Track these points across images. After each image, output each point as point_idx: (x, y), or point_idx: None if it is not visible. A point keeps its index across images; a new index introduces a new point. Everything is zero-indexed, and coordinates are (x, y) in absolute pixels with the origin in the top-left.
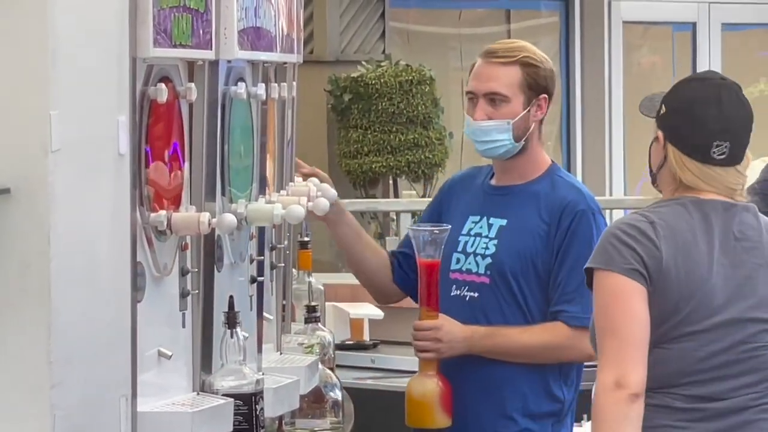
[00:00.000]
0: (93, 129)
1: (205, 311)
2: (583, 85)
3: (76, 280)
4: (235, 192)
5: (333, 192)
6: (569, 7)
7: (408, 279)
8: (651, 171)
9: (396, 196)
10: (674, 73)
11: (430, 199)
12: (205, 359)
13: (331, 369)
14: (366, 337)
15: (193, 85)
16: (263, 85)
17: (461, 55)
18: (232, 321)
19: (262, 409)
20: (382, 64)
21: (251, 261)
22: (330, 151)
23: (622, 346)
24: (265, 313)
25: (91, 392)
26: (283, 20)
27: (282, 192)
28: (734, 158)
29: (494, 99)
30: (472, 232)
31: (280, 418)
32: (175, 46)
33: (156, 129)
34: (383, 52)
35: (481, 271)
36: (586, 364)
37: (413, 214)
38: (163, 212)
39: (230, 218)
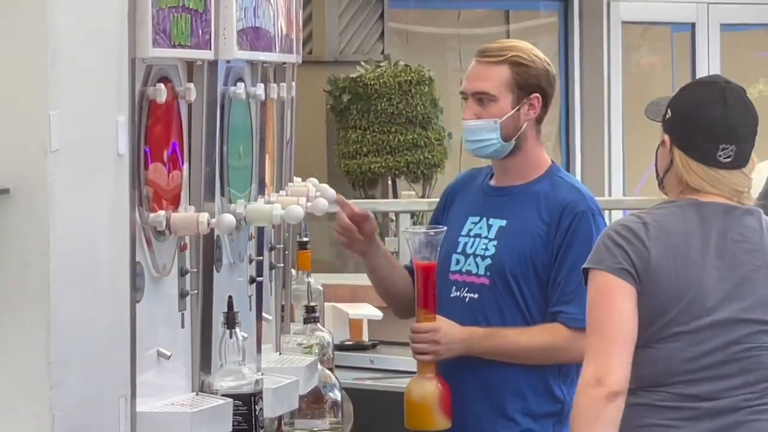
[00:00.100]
0: (92, 129)
1: (205, 311)
2: (582, 85)
3: (75, 280)
4: (234, 192)
5: (332, 192)
6: (568, 8)
7: None
8: (658, 174)
9: (395, 196)
10: (673, 73)
11: (429, 200)
12: (204, 359)
13: (330, 369)
14: (365, 338)
15: (192, 85)
16: (262, 85)
17: (460, 55)
18: (231, 321)
19: (261, 409)
20: (381, 64)
21: (250, 261)
22: (329, 152)
23: (606, 343)
24: (264, 314)
25: (91, 392)
26: (282, 20)
27: (281, 192)
28: (740, 161)
29: (482, 98)
30: (472, 233)
31: (280, 418)
32: (174, 47)
33: (155, 129)
34: (382, 52)
35: (481, 272)
36: None
37: (412, 214)
38: (162, 212)
39: (229, 218)
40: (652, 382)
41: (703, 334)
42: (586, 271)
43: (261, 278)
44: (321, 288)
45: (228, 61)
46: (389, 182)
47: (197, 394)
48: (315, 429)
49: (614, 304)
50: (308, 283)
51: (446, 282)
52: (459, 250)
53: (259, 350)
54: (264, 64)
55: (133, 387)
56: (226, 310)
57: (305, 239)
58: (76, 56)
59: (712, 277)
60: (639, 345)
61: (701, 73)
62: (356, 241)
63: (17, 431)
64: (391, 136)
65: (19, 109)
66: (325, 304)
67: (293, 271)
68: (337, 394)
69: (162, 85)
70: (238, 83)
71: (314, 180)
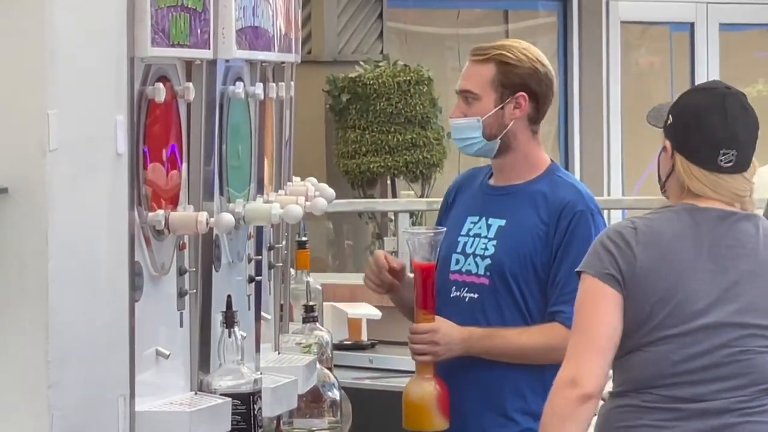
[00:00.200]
0: (91, 128)
1: (203, 311)
2: (581, 85)
3: (73, 279)
4: (233, 191)
5: (331, 191)
6: (567, 8)
7: None
8: (660, 179)
9: (394, 196)
10: (672, 73)
11: (428, 199)
12: (203, 359)
13: (329, 369)
14: (364, 337)
15: (191, 84)
16: (261, 84)
17: (459, 55)
18: (230, 320)
19: (260, 408)
20: (380, 64)
21: (249, 260)
22: (328, 151)
23: (586, 346)
24: (263, 313)
25: (89, 392)
26: (281, 20)
27: (280, 192)
28: (741, 165)
29: (467, 97)
30: (472, 233)
31: (278, 417)
32: (173, 46)
33: (154, 129)
34: (381, 52)
35: (481, 272)
36: None
37: (411, 214)
38: (161, 212)
39: (228, 218)
40: (642, 384)
41: (692, 337)
42: (579, 273)
43: (260, 277)
44: (320, 287)
45: (227, 61)
46: (388, 182)
47: (196, 394)
48: (314, 428)
49: (598, 309)
50: (307, 282)
51: (446, 282)
52: (459, 249)
53: (257, 349)
54: (263, 64)
55: (132, 386)
56: (224, 309)
57: (304, 238)
58: (75, 55)
59: (703, 281)
60: (629, 349)
61: (700, 72)
62: (386, 285)
63: (16, 431)
64: (390, 136)
65: (17, 109)
66: (324, 303)
67: (292, 271)
68: (335, 394)
69: (161, 85)
70: (237, 83)
71: (313, 179)
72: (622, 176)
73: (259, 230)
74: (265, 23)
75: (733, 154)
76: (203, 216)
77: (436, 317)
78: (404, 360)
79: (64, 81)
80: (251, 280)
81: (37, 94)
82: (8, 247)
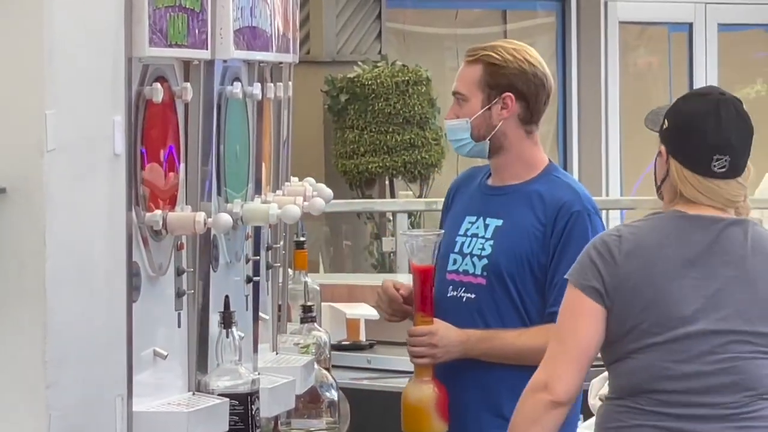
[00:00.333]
0: (88, 129)
1: (201, 311)
2: (579, 85)
3: (71, 279)
4: (230, 192)
5: (329, 192)
6: (565, 8)
7: None
8: (656, 183)
9: (392, 196)
10: (670, 73)
11: (426, 200)
12: (200, 359)
13: (327, 369)
14: (362, 338)
15: (188, 84)
16: (259, 85)
17: (457, 55)
18: (227, 321)
19: (257, 408)
20: (379, 64)
21: (247, 261)
22: (326, 152)
23: (562, 353)
24: (260, 313)
25: (87, 392)
26: (279, 20)
27: (278, 192)
28: (735, 171)
29: (458, 98)
30: (469, 233)
31: (276, 418)
32: (170, 46)
33: (152, 129)
34: (379, 52)
35: (478, 272)
36: None
37: (409, 214)
38: (158, 212)
39: (226, 218)
40: (633, 391)
41: (679, 344)
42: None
43: (258, 278)
44: (318, 287)
45: (225, 61)
46: (386, 182)
47: (194, 394)
48: (312, 429)
49: (576, 321)
50: (305, 282)
51: (443, 282)
52: (456, 249)
53: (255, 350)
54: (261, 64)
55: (130, 387)
56: (222, 309)
57: (302, 239)
58: (72, 56)
59: (688, 287)
60: (618, 356)
61: (699, 73)
62: (400, 314)
63: (14, 431)
64: (388, 136)
65: (15, 109)
66: (322, 303)
67: (290, 271)
68: (333, 394)
69: (158, 85)
70: (234, 83)
71: (311, 180)
72: (620, 176)
73: (257, 230)
74: (263, 23)
75: (726, 160)
76: (201, 216)
77: (435, 320)
78: (402, 360)
79: (61, 81)
80: (249, 280)
81: (35, 94)
82: (6, 247)
